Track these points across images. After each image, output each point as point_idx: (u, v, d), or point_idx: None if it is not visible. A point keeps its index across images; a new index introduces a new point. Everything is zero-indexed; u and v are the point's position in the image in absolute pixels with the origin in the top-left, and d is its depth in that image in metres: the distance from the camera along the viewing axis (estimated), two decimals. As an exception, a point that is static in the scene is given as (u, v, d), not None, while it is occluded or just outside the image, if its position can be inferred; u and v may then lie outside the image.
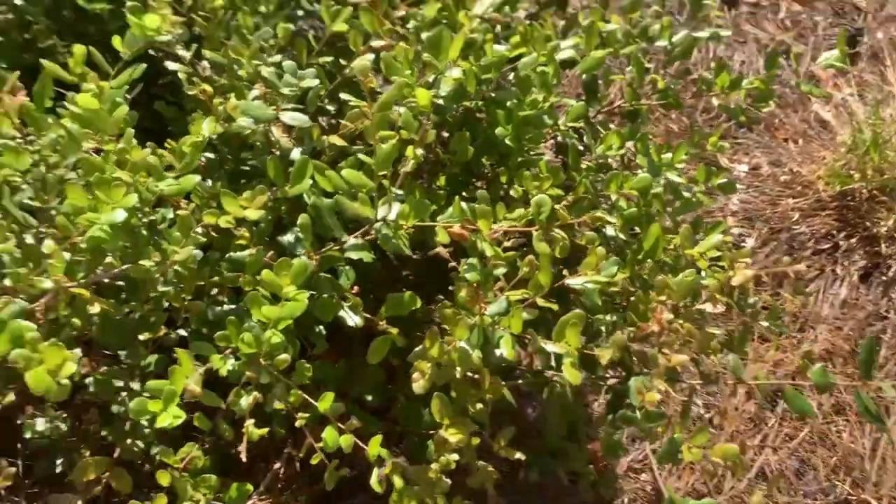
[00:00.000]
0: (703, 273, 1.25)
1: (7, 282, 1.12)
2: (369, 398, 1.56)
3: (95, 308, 1.05)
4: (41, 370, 0.79)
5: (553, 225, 1.07)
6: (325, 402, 1.06)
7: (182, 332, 1.30)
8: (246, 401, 1.03)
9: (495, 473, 1.23)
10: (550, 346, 1.08)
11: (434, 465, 1.09)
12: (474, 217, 1.05)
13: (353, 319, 1.14)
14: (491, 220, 1.05)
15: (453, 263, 1.09)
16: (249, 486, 1.46)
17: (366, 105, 0.96)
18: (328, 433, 1.06)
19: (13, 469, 1.11)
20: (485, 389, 1.20)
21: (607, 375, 1.31)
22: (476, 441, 1.24)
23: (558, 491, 1.98)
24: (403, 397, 1.49)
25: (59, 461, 1.61)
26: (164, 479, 1.06)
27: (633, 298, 1.24)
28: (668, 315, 1.12)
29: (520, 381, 1.35)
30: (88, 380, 1.26)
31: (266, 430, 1.05)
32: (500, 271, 1.07)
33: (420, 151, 1.05)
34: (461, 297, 1.14)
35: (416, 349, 1.06)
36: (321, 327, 1.37)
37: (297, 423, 1.09)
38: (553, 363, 1.32)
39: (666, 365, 1.05)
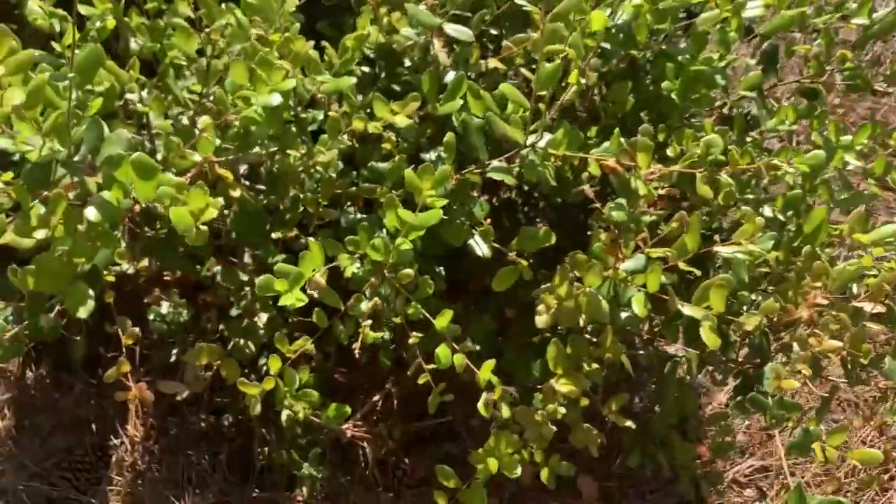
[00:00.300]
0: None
1: (159, 155, 1.16)
2: (478, 348, 1.53)
3: (237, 192, 1.07)
4: (184, 210, 0.80)
5: (720, 169, 0.99)
6: (443, 319, 1.04)
7: (311, 240, 1.31)
8: (366, 305, 1.02)
9: (600, 435, 1.17)
10: (687, 309, 1.01)
11: (541, 410, 1.04)
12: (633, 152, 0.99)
13: (481, 248, 1.10)
14: (650, 155, 0.98)
15: (597, 204, 1.04)
16: (348, 409, 1.46)
17: (537, 12, 0.92)
18: (441, 350, 1.04)
19: (136, 329, 1.15)
20: (604, 348, 1.14)
21: (739, 360, 1.21)
22: (585, 401, 1.18)
23: (656, 486, 1.89)
24: (514, 350, 1.45)
25: (174, 352, 1.68)
26: (274, 364, 1.06)
27: (783, 282, 1.14)
28: (823, 300, 1.02)
29: (640, 352, 1.27)
30: (216, 269, 1.29)
31: (381, 334, 1.04)
32: (648, 219, 1.01)
33: (583, 80, 0.99)
34: (597, 247, 1.09)
35: (544, 285, 1.01)
36: (441, 268, 1.35)
37: (411, 340, 1.07)
38: (681, 337, 1.24)
39: (814, 349, 0.96)
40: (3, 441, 1.82)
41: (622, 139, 1.00)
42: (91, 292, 0.92)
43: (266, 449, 1.64)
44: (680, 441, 1.55)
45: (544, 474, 1.22)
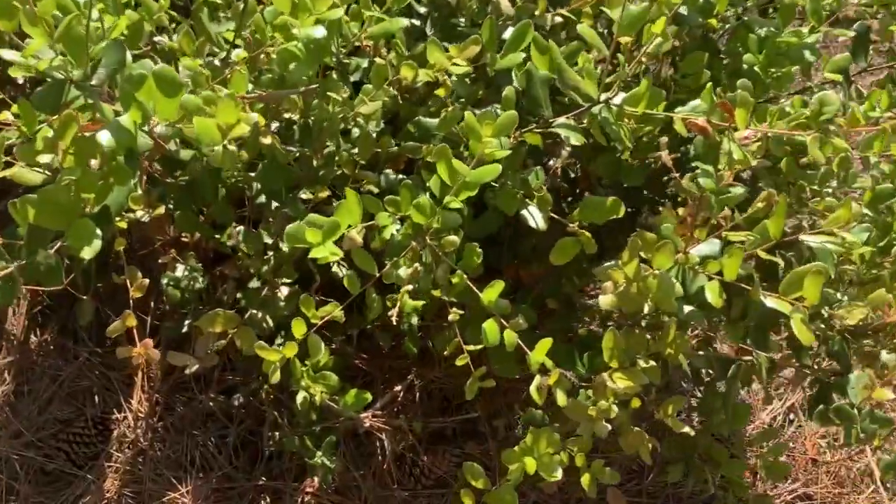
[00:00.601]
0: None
1: (186, 95, 1.05)
2: (513, 340, 1.41)
3: (268, 140, 0.96)
4: (211, 122, 0.69)
5: (839, 131, 0.87)
6: (492, 292, 0.91)
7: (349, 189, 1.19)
8: (405, 271, 0.90)
9: (652, 441, 1.04)
10: (771, 302, 0.88)
11: (593, 406, 0.91)
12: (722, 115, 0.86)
13: (535, 220, 0.98)
14: (750, 112, 0.86)
15: (675, 175, 0.91)
16: (368, 396, 1.35)
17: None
18: (489, 326, 0.92)
19: (147, 281, 1.04)
20: (665, 343, 1.01)
21: (815, 367, 1.08)
22: (637, 402, 1.06)
23: (690, 505, 1.76)
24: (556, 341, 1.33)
25: (187, 323, 1.57)
26: (298, 328, 0.95)
27: (869, 283, 1.01)
28: (925, 303, 0.89)
29: (699, 353, 1.14)
30: (239, 230, 1.18)
31: (421, 303, 0.92)
32: (738, 191, 0.88)
33: (669, 30, 0.87)
34: (666, 227, 0.96)
35: (608, 263, 0.89)
36: (479, 249, 1.24)
37: (451, 317, 0.95)
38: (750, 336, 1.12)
39: (921, 355, 0.83)
40: (0, 406, 1.72)
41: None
42: (98, 231, 0.81)
43: (277, 434, 1.53)
44: (727, 456, 1.42)
45: (585, 480, 1.09)
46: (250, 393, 1.65)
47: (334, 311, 0.94)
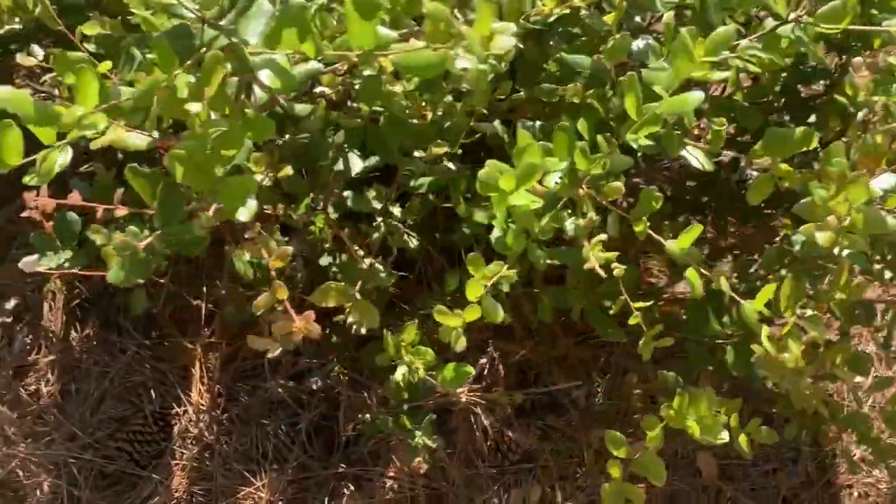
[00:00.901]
0: None
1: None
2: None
3: (397, 87, 0.85)
4: (474, 32, 0.58)
5: None
6: (686, 238, 0.82)
7: (452, 165, 1.09)
8: (582, 221, 0.80)
9: (826, 389, 0.97)
10: (981, 232, 0.80)
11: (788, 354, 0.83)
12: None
13: (699, 161, 0.89)
14: None
15: (873, 98, 0.83)
16: (470, 370, 1.25)
17: None
18: (691, 275, 0.83)
19: (289, 249, 0.93)
20: (836, 288, 0.94)
21: None
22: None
23: (778, 465, 1.70)
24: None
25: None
26: (474, 291, 0.85)
27: None
28: None
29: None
30: (347, 193, 1.08)
31: (614, 254, 0.82)
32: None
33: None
34: (837, 162, 0.88)
35: (806, 199, 0.80)
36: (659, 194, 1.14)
37: (616, 272, 0.86)
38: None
39: None
40: (47, 407, 1.60)
41: None
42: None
43: (367, 416, 1.43)
44: (842, 409, 1.35)
45: (743, 441, 1.02)
46: (325, 376, 1.55)
47: (501, 270, 0.85)
